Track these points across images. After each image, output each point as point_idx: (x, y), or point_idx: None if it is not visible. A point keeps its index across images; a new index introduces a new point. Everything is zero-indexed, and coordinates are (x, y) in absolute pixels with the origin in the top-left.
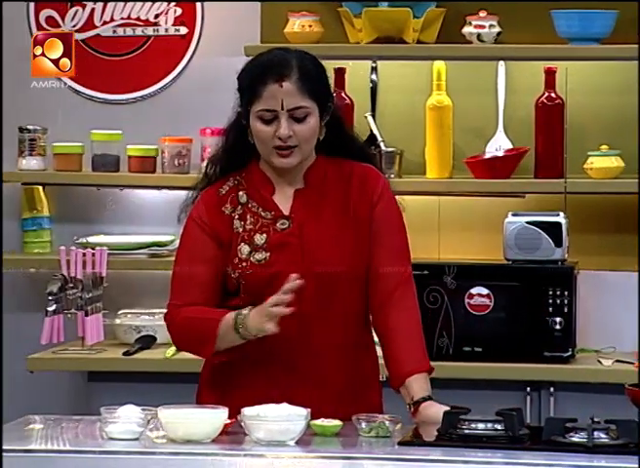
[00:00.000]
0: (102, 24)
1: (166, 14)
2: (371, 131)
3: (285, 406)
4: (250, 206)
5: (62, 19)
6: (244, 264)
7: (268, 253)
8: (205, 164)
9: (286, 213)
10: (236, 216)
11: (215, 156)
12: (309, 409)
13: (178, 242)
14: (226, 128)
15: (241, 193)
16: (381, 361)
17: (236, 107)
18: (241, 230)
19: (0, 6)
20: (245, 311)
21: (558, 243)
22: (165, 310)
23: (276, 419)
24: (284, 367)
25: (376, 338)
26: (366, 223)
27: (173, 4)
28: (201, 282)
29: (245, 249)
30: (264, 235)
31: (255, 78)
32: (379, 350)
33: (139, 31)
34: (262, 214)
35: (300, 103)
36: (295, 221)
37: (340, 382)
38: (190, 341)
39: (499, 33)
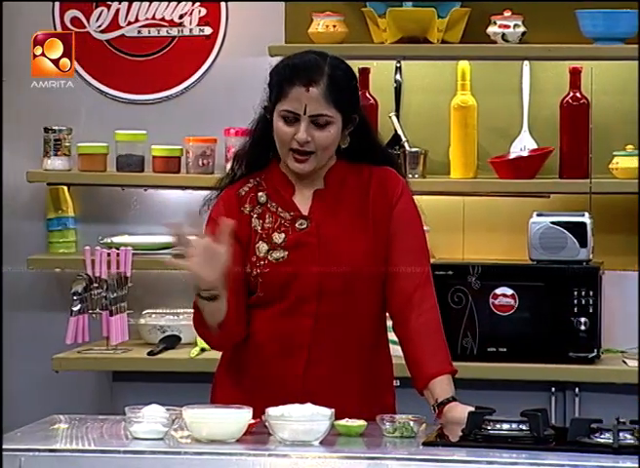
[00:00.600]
0: (127, 25)
1: (190, 14)
2: (395, 131)
3: (309, 406)
4: (269, 206)
5: (87, 19)
6: (262, 262)
7: (286, 252)
8: (232, 158)
9: (305, 213)
10: (255, 215)
11: (242, 149)
12: (333, 410)
13: None
14: (255, 121)
15: (261, 194)
16: (399, 361)
17: (264, 101)
18: (259, 229)
19: (0, 6)
20: None
21: (583, 243)
22: (189, 310)
23: (300, 419)
24: (302, 365)
25: (391, 338)
26: (384, 224)
27: (197, 4)
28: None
29: (263, 247)
30: (283, 234)
31: (284, 77)
32: (392, 350)
33: (163, 32)
34: (282, 214)
35: (323, 111)
36: (313, 221)
37: (356, 382)
38: (198, 331)
39: (523, 33)
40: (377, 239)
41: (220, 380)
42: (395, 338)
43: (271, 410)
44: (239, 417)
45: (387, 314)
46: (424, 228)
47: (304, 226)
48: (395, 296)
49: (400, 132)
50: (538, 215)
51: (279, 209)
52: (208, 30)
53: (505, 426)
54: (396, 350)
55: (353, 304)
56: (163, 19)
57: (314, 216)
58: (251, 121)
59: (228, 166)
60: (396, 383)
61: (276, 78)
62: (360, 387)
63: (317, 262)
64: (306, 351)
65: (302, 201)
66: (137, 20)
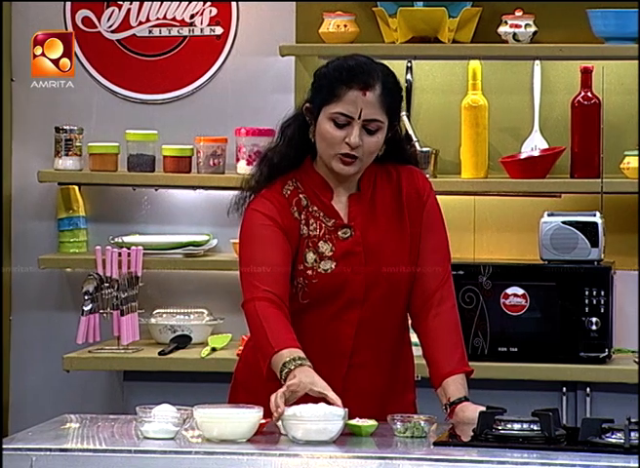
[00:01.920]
0: (138, 25)
1: (201, 14)
2: (406, 130)
3: (322, 405)
4: (311, 210)
5: (99, 19)
6: (310, 272)
7: (335, 263)
8: (260, 159)
9: (345, 219)
10: (302, 221)
11: (271, 150)
12: (347, 409)
13: (213, 242)
14: (284, 122)
15: (302, 196)
16: (422, 361)
17: (304, 102)
18: (306, 236)
19: (0, 6)
20: (292, 367)
21: (594, 243)
22: (199, 310)
23: (314, 419)
24: (344, 374)
25: (413, 340)
26: (418, 223)
27: (208, 4)
28: (276, 264)
29: (310, 257)
30: (329, 244)
31: (338, 79)
32: (414, 350)
33: (174, 31)
34: (324, 220)
35: (376, 116)
36: (356, 230)
37: (381, 382)
38: (255, 345)
39: (534, 32)
40: (412, 239)
41: (242, 380)
42: (417, 340)
43: (285, 410)
44: (250, 417)
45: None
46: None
47: (348, 235)
48: (418, 295)
49: (411, 131)
50: (549, 215)
51: (321, 214)
52: (219, 30)
53: (517, 426)
54: (418, 350)
55: (394, 307)
56: (174, 19)
57: (356, 224)
58: (281, 121)
59: (239, 165)
60: (417, 377)
61: (327, 80)
62: (385, 387)
63: (364, 271)
64: (347, 359)
65: (340, 206)
66: (147, 20)
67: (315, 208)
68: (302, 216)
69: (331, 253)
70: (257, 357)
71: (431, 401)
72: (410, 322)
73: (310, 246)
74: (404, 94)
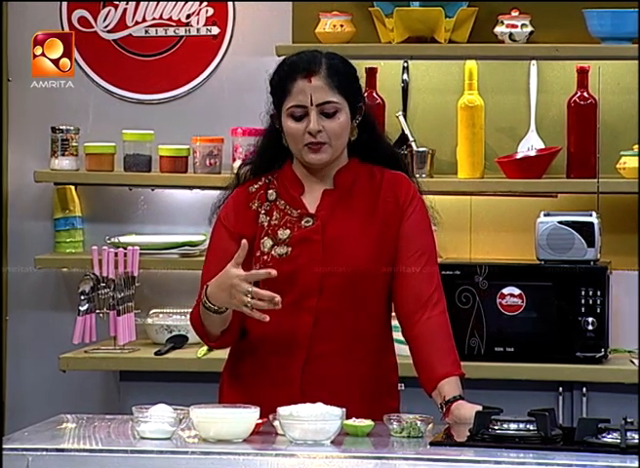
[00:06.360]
0: (134, 25)
1: (198, 14)
2: (402, 131)
3: (320, 405)
4: (277, 203)
5: (95, 19)
6: (265, 258)
7: (289, 248)
8: (238, 166)
9: (312, 211)
10: (262, 212)
11: (247, 160)
12: (344, 409)
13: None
14: (261, 134)
15: (271, 191)
16: (406, 361)
17: (269, 112)
18: (266, 225)
19: (0, 5)
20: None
21: (590, 243)
22: None
23: (312, 419)
24: (302, 364)
25: (397, 337)
26: (393, 228)
27: (204, 4)
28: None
29: (268, 242)
30: (288, 231)
31: (284, 76)
32: (398, 349)
33: (170, 31)
34: (289, 211)
35: (328, 98)
36: (319, 219)
37: (357, 385)
38: (197, 332)
39: (531, 32)
40: (383, 241)
41: (226, 378)
42: (401, 338)
43: (281, 410)
44: (246, 417)
45: (395, 315)
46: (433, 229)
47: (310, 224)
48: (406, 298)
49: (407, 131)
50: (545, 215)
51: (287, 206)
52: (215, 30)
53: (513, 426)
54: (402, 349)
55: (354, 304)
56: (170, 19)
57: (320, 215)
58: (263, 124)
59: (235, 165)
60: (401, 387)
61: (277, 79)
62: (362, 390)
63: (320, 260)
64: (306, 349)
65: (311, 200)
66: (144, 20)
67: (282, 201)
68: (264, 208)
69: (287, 240)
70: (245, 357)
71: (418, 404)
72: (395, 323)
73: (269, 233)
74: (402, 92)
